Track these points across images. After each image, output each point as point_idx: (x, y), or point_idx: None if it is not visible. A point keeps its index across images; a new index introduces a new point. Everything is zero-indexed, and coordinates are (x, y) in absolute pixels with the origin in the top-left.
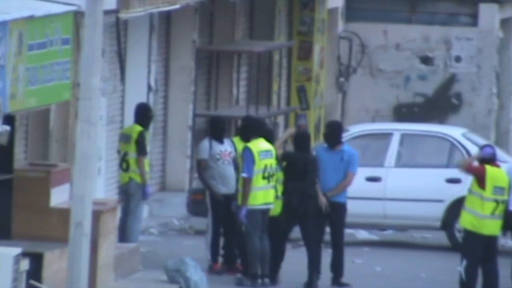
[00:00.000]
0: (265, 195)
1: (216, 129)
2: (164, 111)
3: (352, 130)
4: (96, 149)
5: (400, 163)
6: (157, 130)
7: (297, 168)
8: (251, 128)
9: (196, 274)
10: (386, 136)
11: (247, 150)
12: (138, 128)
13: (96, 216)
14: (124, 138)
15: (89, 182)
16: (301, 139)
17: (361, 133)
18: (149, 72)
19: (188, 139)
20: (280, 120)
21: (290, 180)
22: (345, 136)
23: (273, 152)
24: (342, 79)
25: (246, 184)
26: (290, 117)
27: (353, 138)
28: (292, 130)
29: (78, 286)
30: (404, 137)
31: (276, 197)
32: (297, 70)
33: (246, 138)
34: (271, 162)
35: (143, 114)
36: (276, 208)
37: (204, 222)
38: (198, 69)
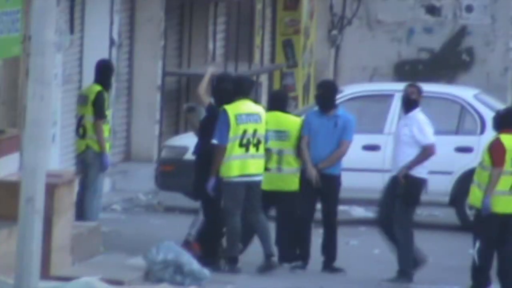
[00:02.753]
0: (242, 165)
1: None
2: (129, 69)
3: (347, 91)
4: (50, 113)
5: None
6: (120, 91)
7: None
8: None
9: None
10: (385, 98)
11: (223, 113)
12: (97, 87)
13: (50, 190)
14: (81, 99)
15: (42, 151)
16: (274, 98)
17: (357, 94)
18: (111, 23)
19: (157, 102)
20: (264, 79)
21: None
22: (339, 98)
23: (261, 115)
24: (335, 32)
25: (217, 152)
26: (274, 75)
27: (348, 101)
28: (211, 69)
29: (29, 271)
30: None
31: (266, 169)
32: (283, 22)
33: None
34: (256, 127)
35: (103, 72)
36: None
37: (175, 197)
38: (168, 20)
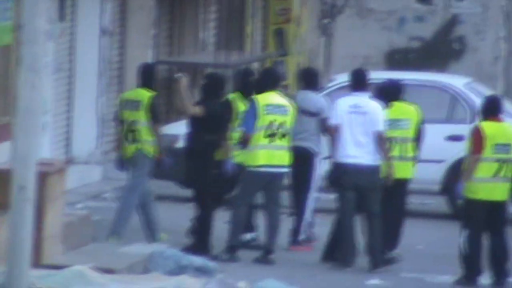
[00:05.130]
0: (268, 156)
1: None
2: (121, 58)
3: (339, 79)
4: (41, 102)
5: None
6: (112, 80)
7: (208, 118)
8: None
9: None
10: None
11: (252, 103)
12: (147, 92)
13: (42, 178)
14: (131, 105)
15: (33, 140)
16: (209, 85)
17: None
18: (102, 12)
19: None
20: (254, 68)
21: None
22: (331, 87)
23: (288, 108)
24: (326, 21)
25: (243, 140)
26: (265, 64)
27: (340, 89)
28: (183, 79)
29: (21, 259)
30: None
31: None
32: (274, 10)
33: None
34: (283, 119)
35: (148, 76)
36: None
37: (167, 186)
38: (160, 9)
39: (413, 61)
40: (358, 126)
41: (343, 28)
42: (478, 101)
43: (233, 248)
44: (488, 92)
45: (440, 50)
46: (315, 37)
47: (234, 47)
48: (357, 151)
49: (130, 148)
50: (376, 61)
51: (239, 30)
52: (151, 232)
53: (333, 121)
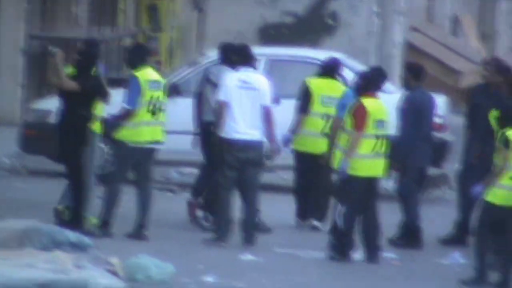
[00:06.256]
0: (152, 132)
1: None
2: None
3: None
4: None
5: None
6: None
7: (82, 93)
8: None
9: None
10: None
11: (134, 79)
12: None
13: None
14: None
15: None
16: (82, 60)
17: None
18: None
19: (20, 64)
20: (127, 43)
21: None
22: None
23: (163, 83)
24: None
25: (126, 116)
26: (139, 40)
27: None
28: (58, 53)
29: None
30: (272, 63)
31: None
32: None
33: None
34: (160, 94)
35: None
36: None
37: (39, 160)
38: None
39: (286, 37)
40: (247, 102)
41: (216, 3)
42: (351, 76)
43: (106, 224)
44: (361, 67)
45: (313, 26)
46: (188, 12)
47: (107, 22)
48: (246, 127)
49: None
50: (250, 37)
51: (112, 5)
52: None
53: (222, 97)
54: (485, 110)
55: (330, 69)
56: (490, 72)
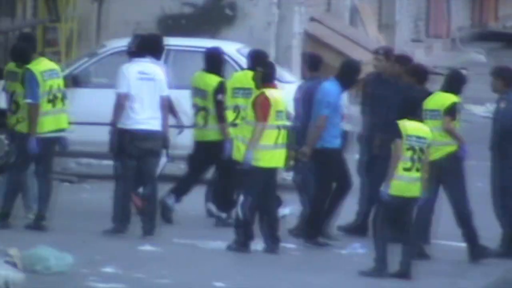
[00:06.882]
0: (56, 121)
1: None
2: None
3: (110, 45)
4: None
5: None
6: None
7: None
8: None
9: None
10: None
11: (29, 72)
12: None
13: None
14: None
15: None
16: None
17: (120, 49)
18: None
19: None
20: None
21: None
22: (102, 53)
23: (59, 71)
24: None
25: (34, 110)
26: (38, 30)
27: (111, 55)
28: None
29: None
30: (171, 53)
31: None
32: None
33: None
34: (59, 82)
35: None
36: None
37: None
38: None
39: (185, 27)
40: (147, 93)
41: None
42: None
43: (5, 215)
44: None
45: (212, 16)
46: (87, 2)
47: (5, 13)
48: (146, 117)
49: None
50: (149, 27)
51: None
52: None
53: (122, 89)
54: (381, 100)
55: (214, 60)
56: (384, 61)
